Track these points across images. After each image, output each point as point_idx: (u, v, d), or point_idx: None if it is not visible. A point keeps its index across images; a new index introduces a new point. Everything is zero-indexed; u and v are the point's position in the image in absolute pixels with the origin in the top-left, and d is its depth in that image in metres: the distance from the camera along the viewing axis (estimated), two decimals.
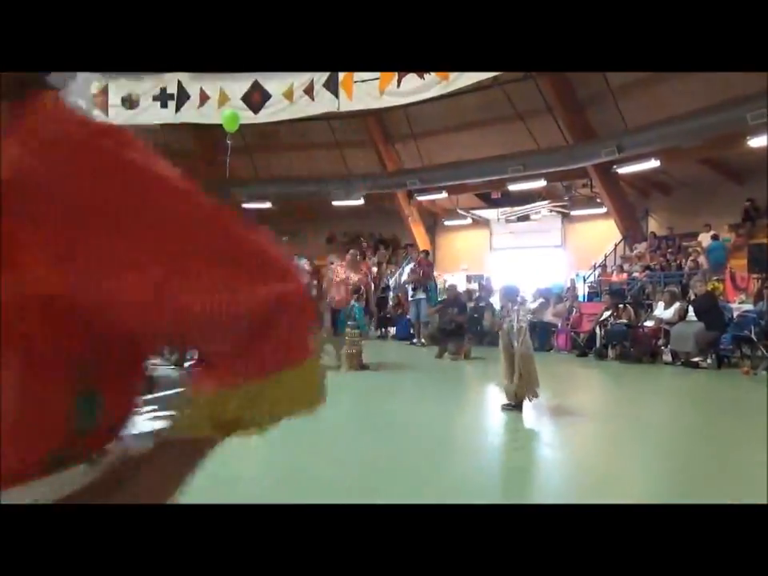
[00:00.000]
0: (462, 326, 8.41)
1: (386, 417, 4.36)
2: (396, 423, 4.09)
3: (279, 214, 20.45)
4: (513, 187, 15.82)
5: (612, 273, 14.48)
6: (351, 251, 7.62)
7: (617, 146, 12.91)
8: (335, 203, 18.30)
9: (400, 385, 6.20)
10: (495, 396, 4.61)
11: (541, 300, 11.04)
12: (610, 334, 9.15)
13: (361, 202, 17.97)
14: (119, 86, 15.80)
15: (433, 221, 20.04)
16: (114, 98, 15.87)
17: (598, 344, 9.40)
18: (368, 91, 14.14)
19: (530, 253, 18.44)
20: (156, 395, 4.02)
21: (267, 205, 18.84)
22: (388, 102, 14.58)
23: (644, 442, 3.81)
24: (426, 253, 10.97)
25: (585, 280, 15.05)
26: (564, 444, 3.67)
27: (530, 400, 4.58)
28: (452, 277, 17.83)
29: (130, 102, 16.19)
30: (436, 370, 7.61)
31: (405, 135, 16.98)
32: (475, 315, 11.31)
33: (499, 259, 19.10)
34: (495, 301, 5.29)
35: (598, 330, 9.50)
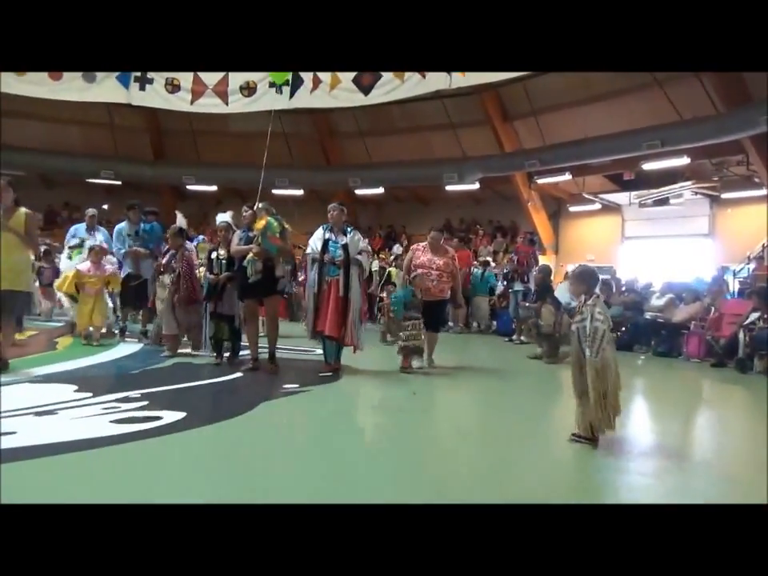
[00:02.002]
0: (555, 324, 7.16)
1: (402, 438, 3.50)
2: (414, 446, 3.22)
3: (392, 200, 20.02)
4: (648, 166, 13.80)
5: None
6: (433, 232, 6.53)
7: None
8: (449, 188, 17.37)
9: (452, 392, 5.17)
10: (570, 420, 3.51)
11: (670, 296, 9.39)
12: (757, 340, 7.36)
13: (476, 186, 16.87)
14: (238, 74, 16.13)
15: (557, 206, 18.36)
16: (233, 86, 16.26)
17: (740, 352, 7.63)
18: None
19: (670, 242, 16.15)
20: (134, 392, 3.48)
21: (380, 190, 18.40)
22: (504, 75, 13.38)
23: None
24: (531, 239, 9.67)
25: (735, 274, 12.74)
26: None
27: (601, 432, 3.41)
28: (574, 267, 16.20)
29: (248, 90, 16.53)
30: (519, 375, 6.47)
31: (524, 112, 15.55)
32: None
33: (632, 249, 17.01)
34: (563, 291, 4.01)
35: (741, 334, 7.72)
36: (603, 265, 16.49)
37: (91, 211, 8.17)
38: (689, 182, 14.20)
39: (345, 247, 5.44)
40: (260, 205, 5.65)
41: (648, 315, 9.16)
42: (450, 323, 10.88)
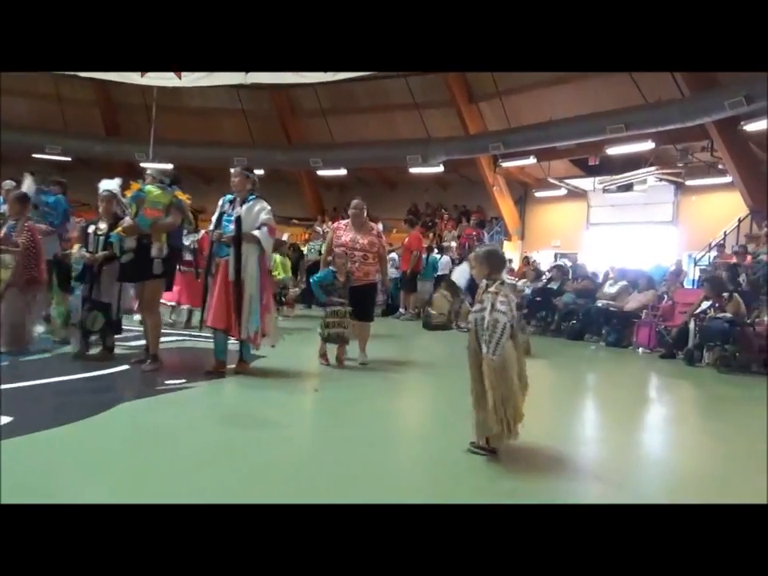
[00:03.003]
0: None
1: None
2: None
3: (357, 182, 19.45)
4: (613, 151, 13.45)
5: (732, 254, 11.87)
6: (355, 201, 5.67)
7: (745, 96, 10.26)
8: (413, 170, 16.87)
9: (361, 390, 4.56)
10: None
11: (623, 283, 9.07)
12: (706, 331, 7.04)
13: (440, 169, 16.39)
14: None
15: (523, 191, 18.00)
16: None
17: (690, 343, 7.33)
18: None
19: (635, 229, 15.92)
20: None
21: (342, 171, 17.82)
22: None
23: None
24: (479, 222, 9.21)
25: (696, 262, 12.53)
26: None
27: (499, 444, 2.96)
28: (537, 254, 15.98)
29: None
30: (451, 368, 5.99)
31: (489, 93, 15.06)
32: (537, 299, 9.56)
33: (597, 236, 16.76)
34: (460, 274, 3.48)
35: (692, 324, 7.41)
36: (568, 251, 16.29)
37: (8, 184, 7.53)
38: (653, 168, 13.93)
39: (238, 220, 4.53)
40: (148, 170, 4.91)
41: (600, 303, 8.83)
42: (401, 310, 10.47)
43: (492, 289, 2.99)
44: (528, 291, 9.73)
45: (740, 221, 12.71)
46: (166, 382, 4.05)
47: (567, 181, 16.16)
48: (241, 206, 4.65)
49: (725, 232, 12.79)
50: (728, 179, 13.01)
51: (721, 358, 6.87)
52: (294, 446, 3.05)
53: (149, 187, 4.61)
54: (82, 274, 4.78)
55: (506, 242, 17.29)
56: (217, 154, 18.06)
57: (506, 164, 15.66)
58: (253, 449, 2.90)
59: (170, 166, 18.54)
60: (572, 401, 5.02)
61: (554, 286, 9.74)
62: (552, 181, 16.12)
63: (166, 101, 17.62)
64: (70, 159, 17.76)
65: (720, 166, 13.15)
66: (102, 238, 4.79)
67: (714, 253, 12.39)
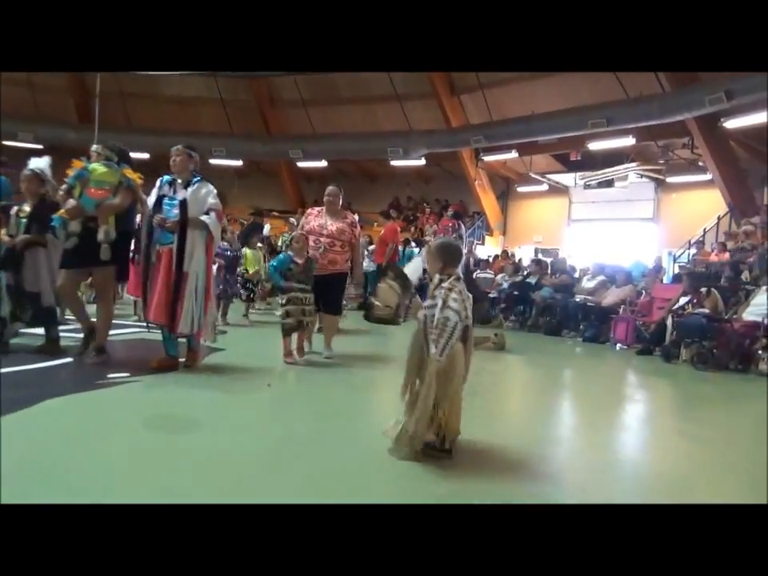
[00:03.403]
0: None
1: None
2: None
3: (338, 175, 19.17)
4: (594, 146, 13.34)
5: (712, 251, 11.82)
6: (330, 188, 5.37)
7: (725, 91, 10.18)
8: (394, 163, 16.66)
9: (319, 388, 4.22)
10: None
11: (601, 278, 8.94)
12: (683, 326, 6.90)
13: (422, 162, 16.19)
14: None
15: (505, 186, 17.88)
16: None
17: (667, 339, 7.19)
18: None
19: (616, 226, 15.88)
20: None
21: (323, 163, 17.54)
22: None
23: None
24: (455, 213, 9.00)
25: (675, 259, 12.47)
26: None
27: (413, 447, 2.72)
28: (519, 249, 15.87)
29: None
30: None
31: (471, 86, 14.87)
32: (515, 293, 9.40)
33: (578, 232, 16.70)
34: (414, 269, 3.23)
35: (669, 320, 7.28)
36: (550, 247, 16.20)
37: None
38: (634, 164, 13.85)
39: (183, 204, 4.12)
40: (93, 147, 4.49)
41: (578, 298, 8.69)
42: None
43: (445, 285, 2.72)
44: (506, 285, 9.58)
45: (719, 218, 12.68)
46: (108, 376, 3.77)
47: (549, 176, 16.06)
48: (185, 188, 4.25)
49: (704, 229, 12.76)
50: (708, 176, 12.97)
51: (698, 354, 6.72)
52: (228, 445, 2.79)
53: (93, 165, 4.28)
54: (4, 260, 4.35)
55: (487, 237, 17.19)
56: (194, 143, 17.54)
57: (487, 158, 15.53)
58: (184, 447, 2.66)
59: (146, 156, 18.18)
60: (544, 398, 4.83)
61: (532, 280, 9.58)
62: (534, 176, 16.00)
63: (142, 89, 17.22)
64: (42, 147, 17.24)
65: (700, 163, 13.11)
66: (24, 220, 4.41)
67: (693, 250, 12.34)
